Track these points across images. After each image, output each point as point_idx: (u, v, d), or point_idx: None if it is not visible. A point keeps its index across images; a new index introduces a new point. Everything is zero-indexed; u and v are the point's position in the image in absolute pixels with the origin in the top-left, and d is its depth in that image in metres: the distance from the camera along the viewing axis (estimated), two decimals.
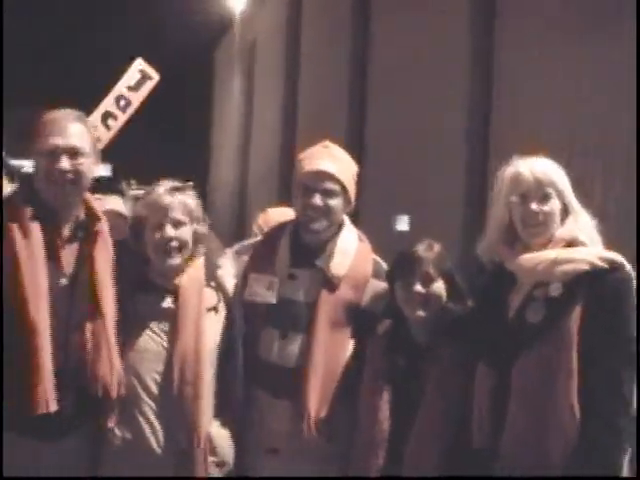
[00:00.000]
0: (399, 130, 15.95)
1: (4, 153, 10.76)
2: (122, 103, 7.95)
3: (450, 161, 13.70)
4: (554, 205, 3.25)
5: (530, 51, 11.75)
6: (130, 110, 7.98)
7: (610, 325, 3.09)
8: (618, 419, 3.03)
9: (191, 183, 3.72)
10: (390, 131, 16.52)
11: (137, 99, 8.09)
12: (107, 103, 7.92)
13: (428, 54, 14.80)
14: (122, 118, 7.87)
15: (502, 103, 12.74)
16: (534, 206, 3.23)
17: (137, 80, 8.09)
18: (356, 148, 16.76)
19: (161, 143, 37.37)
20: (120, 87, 8.01)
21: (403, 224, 15.91)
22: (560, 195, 3.26)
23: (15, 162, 13.57)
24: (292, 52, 24.92)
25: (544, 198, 3.24)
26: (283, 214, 5.52)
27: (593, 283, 3.12)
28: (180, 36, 35.81)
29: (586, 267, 3.13)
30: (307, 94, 23.51)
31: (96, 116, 7.55)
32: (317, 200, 3.61)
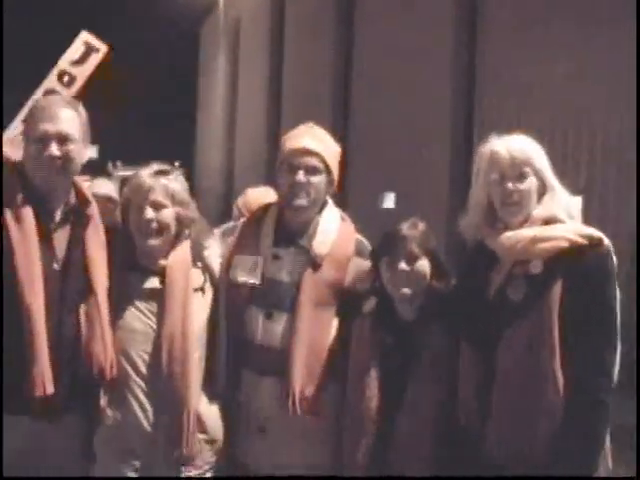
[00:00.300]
0: (385, 109, 15.96)
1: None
2: (66, 79, 7.53)
3: (436, 139, 13.75)
4: (531, 183, 3.26)
5: (513, 39, 11.82)
6: (76, 86, 7.55)
7: (591, 300, 3.11)
8: (602, 394, 3.08)
9: (177, 166, 3.77)
10: (376, 110, 16.52)
11: (82, 74, 7.65)
12: (49, 80, 7.49)
13: (414, 34, 14.80)
14: (67, 95, 6.93)
15: (485, 80, 12.80)
16: (510, 185, 3.24)
17: (81, 53, 7.65)
18: (342, 127, 16.78)
19: (147, 124, 37.20)
20: (63, 62, 7.57)
21: (389, 201, 15.96)
22: (537, 173, 3.27)
23: None
24: (276, 32, 24.82)
25: (520, 177, 3.25)
26: (262, 195, 5.50)
27: (573, 259, 3.14)
28: (165, 14, 35.57)
29: (565, 244, 3.15)
30: (292, 74, 23.44)
31: (38, 95, 7.13)
32: (300, 176, 3.64)
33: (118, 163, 23.39)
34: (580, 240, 3.16)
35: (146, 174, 3.58)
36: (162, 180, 3.57)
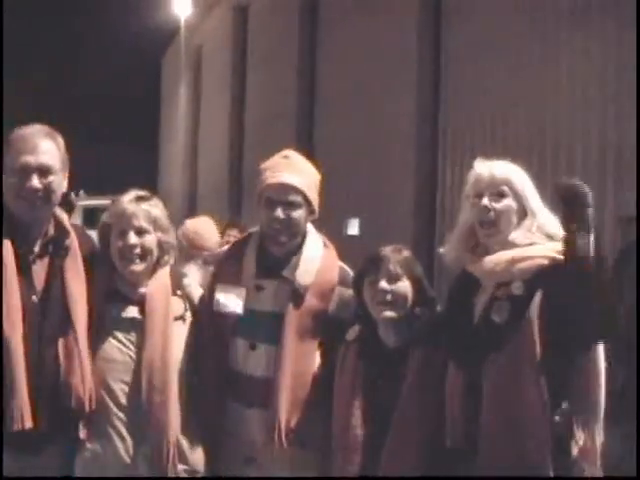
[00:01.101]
0: (348, 136, 16.02)
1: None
2: None
3: (400, 166, 13.79)
4: (509, 204, 3.28)
5: (478, 49, 11.87)
6: None
7: (572, 310, 3.14)
8: (595, 396, 3.14)
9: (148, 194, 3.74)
10: (339, 137, 16.59)
11: None
12: None
13: (376, 59, 14.87)
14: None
15: (450, 103, 12.85)
16: (485, 201, 3.27)
17: None
18: (305, 155, 16.77)
19: (109, 151, 37.11)
20: None
21: (353, 228, 15.98)
22: (517, 196, 3.29)
23: None
24: (238, 59, 24.92)
25: (498, 196, 3.28)
26: (200, 225, 5.70)
27: (551, 274, 3.18)
28: (128, 41, 35.60)
29: (544, 261, 3.19)
30: (254, 101, 23.50)
31: None
32: (279, 213, 3.61)
33: (81, 192, 23.25)
34: (559, 257, 3.19)
35: (127, 200, 3.58)
36: (144, 206, 3.57)
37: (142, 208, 3.55)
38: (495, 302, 3.24)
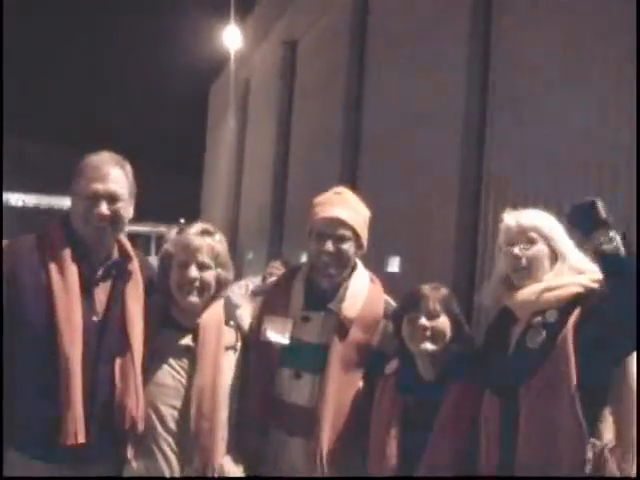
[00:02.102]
0: (392, 173, 16.01)
1: None
2: None
3: (442, 205, 13.74)
4: (539, 249, 3.41)
5: (526, 94, 11.82)
6: None
7: (604, 328, 3.16)
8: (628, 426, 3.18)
9: (182, 222, 3.79)
10: (383, 174, 16.58)
11: None
12: None
13: (423, 96, 14.88)
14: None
15: (493, 148, 12.81)
16: (516, 250, 3.41)
17: None
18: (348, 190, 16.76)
19: (154, 179, 37.36)
20: None
21: (394, 266, 15.93)
22: (546, 240, 3.42)
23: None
24: (286, 93, 25.04)
25: (528, 243, 3.41)
26: None
27: (585, 299, 3.26)
28: (177, 73, 35.98)
29: (578, 289, 3.28)
30: (300, 134, 23.59)
31: None
32: (330, 246, 3.73)
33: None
34: (592, 285, 3.28)
35: (193, 232, 3.67)
36: (208, 240, 3.66)
37: (207, 242, 3.64)
38: (530, 330, 3.33)
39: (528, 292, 3.36)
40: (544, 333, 3.27)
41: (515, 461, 3.23)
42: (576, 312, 3.23)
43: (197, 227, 3.72)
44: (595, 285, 3.26)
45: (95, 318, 3.48)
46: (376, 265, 14.52)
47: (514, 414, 3.24)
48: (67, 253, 3.45)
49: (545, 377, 3.21)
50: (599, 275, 3.29)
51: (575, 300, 3.27)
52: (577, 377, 3.15)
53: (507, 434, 3.25)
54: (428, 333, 3.52)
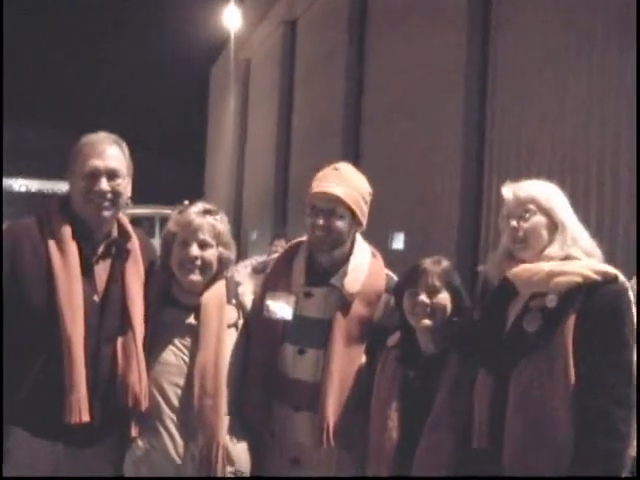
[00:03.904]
0: (394, 149, 16.01)
1: None
2: None
3: (446, 180, 13.75)
4: (536, 221, 3.39)
5: (526, 68, 11.82)
6: None
7: (603, 335, 3.18)
8: (619, 426, 3.11)
9: (186, 203, 3.83)
10: (385, 150, 16.57)
11: None
12: None
13: (424, 74, 14.85)
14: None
15: (495, 120, 12.80)
16: (513, 222, 3.40)
17: None
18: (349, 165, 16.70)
19: (157, 162, 37.33)
20: None
21: (398, 242, 15.95)
22: (544, 211, 3.39)
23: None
24: (286, 72, 25.00)
25: (524, 215, 3.40)
26: None
27: (587, 295, 3.23)
28: (177, 55, 35.85)
29: (579, 279, 3.24)
30: (302, 114, 23.56)
31: None
32: (321, 221, 3.72)
33: (127, 202, 23.40)
34: (594, 276, 3.24)
35: (194, 212, 3.70)
36: (210, 220, 3.69)
37: (208, 222, 3.68)
38: (528, 312, 3.31)
39: (532, 271, 3.33)
40: (541, 317, 3.26)
41: (503, 436, 3.24)
42: (575, 306, 3.21)
43: (199, 206, 3.74)
44: (597, 277, 3.23)
45: (96, 297, 3.52)
46: (381, 242, 14.58)
47: (505, 393, 3.25)
48: (67, 233, 3.47)
49: (538, 362, 3.20)
50: (601, 262, 3.33)
51: (575, 289, 3.24)
52: (575, 375, 3.15)
53: (498, 415, 3.26)
54: (428, 309, 3.53)
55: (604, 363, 3.15)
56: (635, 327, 3.22)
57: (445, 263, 3.63)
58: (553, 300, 3.26)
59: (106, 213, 3.53)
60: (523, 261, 3.40)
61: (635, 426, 3.14)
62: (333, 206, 3.72)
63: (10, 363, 3.41)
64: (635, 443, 3.17)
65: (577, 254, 3.35)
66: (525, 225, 3.38)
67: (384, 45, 17.31)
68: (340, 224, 3.74)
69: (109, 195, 3.51)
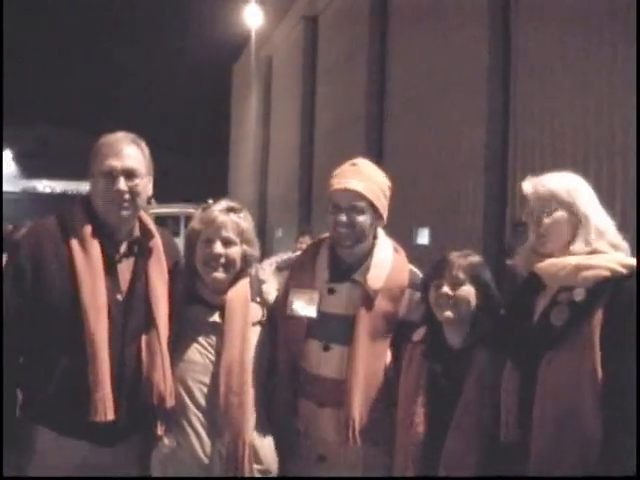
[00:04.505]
0: (418, 145, 15.98)
1: None
2: None
3: (471, 176, 13.72)
4: (558, 216, 3.37)
5: (547, 64, 11.77)
6: None
7: (631, 330, 3.14)
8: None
9: (210, 202, 3.84)
10: (409, 146, 16.55)
11: None
12: None
13: (446, 69, 14.82)
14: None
15: (520, 113, 12.75)
16: (535, 219, 3.40)
17: None
18: (375, 163, 16.72)
19: (180, 162, 37.45)
20: None
21: (423, 237, 15.93)
22: (566, 205, 3.37)
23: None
24: (308, 69, 25.00)
25: (546, 211, 3.38)
26: None
27: (614, 289, 3.21)
28: (199, 48, 35.90)
29: (606, 273, 3.23)
30: (324, 111, 23.56)
31: None
32: (343, 217, 3.73)
33: (152, 200, 23.52)
34: (621, 270, 3.23)
35: (218, 209, 3.71)
36: (233, 217, 3.69)
37: (232, 219, 3.68)
38: (555, 306, 3.30)
39: (560, 265, 3.32)
40: (569, 311, 3.25)
41: (531, 429, 3.23)
42: (603, 301, 3.20)
43: (222, 204, 3.74)
44: (625, 271, 3.22)
45: (119, 296, 3.52)
46: (405, 237, 14.56)
47: (532, 386, 3.25)
48: (89, 232, 3.48)
49: (566, 358, 3.20)
50: (629, 256, 3.31)
51: (602, 284, 3.22)
52: (601, 363, 3.14)
53: (525, 409, 3.26)
54: (451, 301, 3.53)
55: (631, 357, 3.11)
56: None
57: (472, 257, 3.63)
58: (581, 294, 3.24)
59: (125, 213, 3.54)
60: (550, 255, 3.38)
61: None
62: (354, 202, 3.73)
63: (36, 362, 3.43)
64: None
65: (604, 247, 3.32)
66: (546, 221, 3.37)
67: (406, 42, 17.28)
68: (362, 219, 3.75)
69: (127, 195, 3.51)
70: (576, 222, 3.36)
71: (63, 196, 36.21)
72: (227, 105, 40.91)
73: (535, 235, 3.41)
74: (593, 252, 3.32)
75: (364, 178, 3.78)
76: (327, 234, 3.93)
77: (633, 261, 3.28)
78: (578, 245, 3.34)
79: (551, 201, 3.37)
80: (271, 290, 3.88)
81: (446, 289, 3.54)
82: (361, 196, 3.74)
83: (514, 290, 3.64)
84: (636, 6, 8.73)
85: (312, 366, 3.76)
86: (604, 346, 3.14)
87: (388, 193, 3.86)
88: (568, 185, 3.42)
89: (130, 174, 3.52)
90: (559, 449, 3.17)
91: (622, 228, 3.43)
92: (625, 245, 3.38)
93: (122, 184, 3.50)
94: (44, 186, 37.53)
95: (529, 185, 3.45)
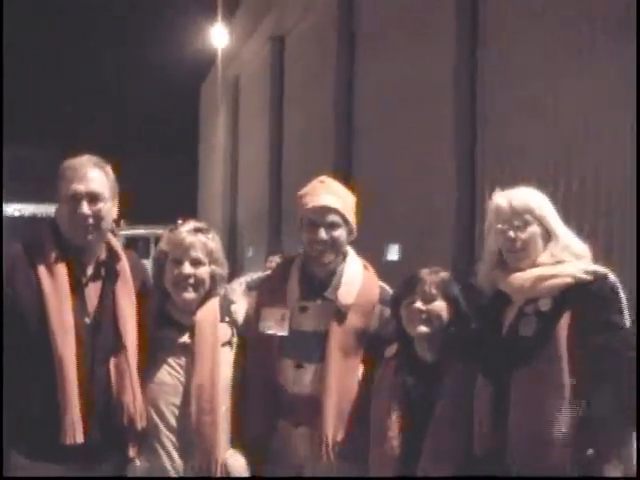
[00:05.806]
0: (387, 162, 16.02)
1: None
2: None
3: (438, 191, 13.76)
4: (533, 231, 3.44)
5: (514, 77, 11.84)
6: None
7: (598, 330, 3.22)
8: (619, 419, 3.16)
9: (179, 223, 3.85)
10: (378, 162, 16.59)
11: None
12: None
13: (413, 85, 14.88)
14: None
15: (487, 130, 12.81)
16: (511, 234, 3.43)
17: None
18: (344, 181, 16.77)
19: (149, 181, 37.28)
20: None
21: (393, 254, 15.94)
22: (540, 220, 3.44)
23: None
24: (275, 88, 25.02)
25: (522, 225, 3.43)
26: None
27: (578, 294, 3.29)
28: (165, 73, 35.87)
29: (570, 280, 3.31)
30: (292, 130, 23.58)
31: None
32: (323, 234, 3.77)
33: (122, 222, 23.44)
34: (585, 276, 3.31)
35: (185, 230, 3.72)
36: (201, 237, 3.71)
37: (200, 240, 3.69)
38: (523, 317, 3.36)
39: (523, 278, 3.38)
40: (536, 322, 3.31)
41: (505, 439, 3.27)
42: (569, 308, 3.26)
43: (190, 225, 3.76)
44: (588, 277, 3.30)
45: (87, 319, 3.52)
46: (376, 253, 14.57)
47: (505, 398, 3.29)
48: (56, 256, 3.49)
49: (536, 366, 3.24)
50: (590, 262, 3.39)
51: (567, 291, 3.30)
52: (570, 371, 3.19)
53: (498, 421, 3.30)
54: (424, 316, 3.57)
55: (601, 357, 3.18)
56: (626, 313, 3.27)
57: (442, 273, 3.68)
58: (547, 304, 3.32)
59: (90, 237, 3.54)
60: (516, 269, 3.43)
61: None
62: (331, 218, 3.78)
63: (6, 387, 3.41)
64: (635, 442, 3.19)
65: (567, 258, 3.40)
66: (523, 236, 3.42)
67: (373, 59, 17.34)
68: (339, 234, 3.80)
69: (90, 220, 3.51)
70: (547, 236, 3.44)
71: (33, 219, 35.88)
72: (195, 125, 40.89)
73: (507, 249, 3.45)
74: (557, 262, 3.39)
75: (335, 194, 3.85)
76: (298, 252, 3.95)
77: (597, 267, 3.36)
78: (544, 257, 3.41)
79: (526, 216, 3.43)
80: (240, 310, 3.88)
81: (419, 304, 3.57)
82: (336, 212, 3.79)
83: (481, 306, 3.66)
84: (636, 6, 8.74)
85: (286, 385, 3.77)
86: (575, 350, 3.20)
87: (354, 207, 3.91)
88: (539, 200, 3.50)
89: (94, 198, 3.53)
90: (535, 456, 3.21)
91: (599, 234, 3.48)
92: (589, 254, 3.45)
93: (85, 208, 3.50)
94: (13, 210, 37.26)
95: (503, 198, 3.50)
